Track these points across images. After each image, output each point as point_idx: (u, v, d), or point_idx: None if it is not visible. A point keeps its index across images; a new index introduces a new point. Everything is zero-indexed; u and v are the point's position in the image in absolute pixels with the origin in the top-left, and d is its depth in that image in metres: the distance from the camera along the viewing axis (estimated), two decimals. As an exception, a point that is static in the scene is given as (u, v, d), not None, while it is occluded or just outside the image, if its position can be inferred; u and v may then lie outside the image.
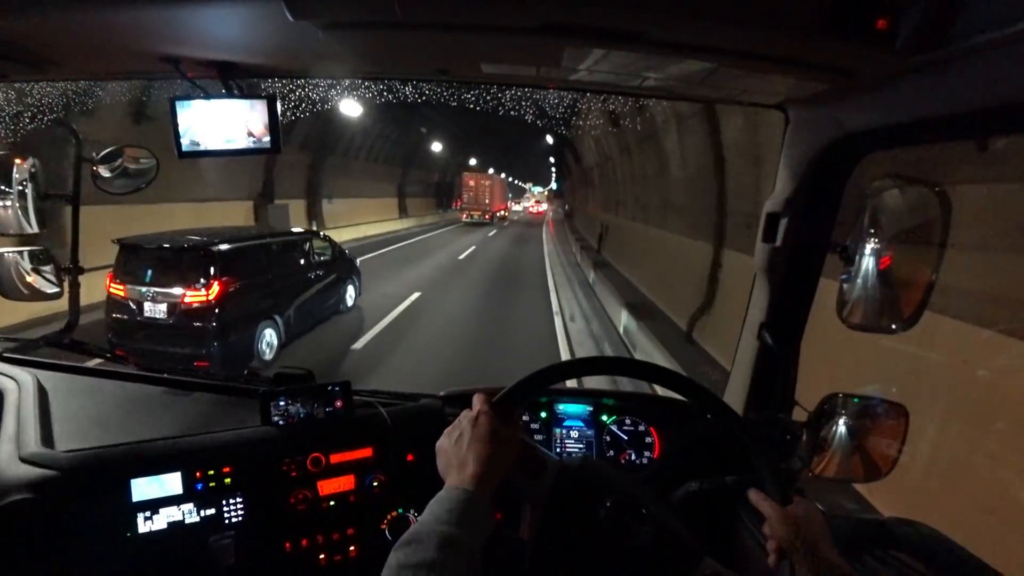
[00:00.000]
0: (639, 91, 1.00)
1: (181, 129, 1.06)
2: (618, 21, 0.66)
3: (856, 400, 1.03)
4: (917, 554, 0.89)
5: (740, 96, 0.98)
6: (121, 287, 4.89)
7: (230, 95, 1.08)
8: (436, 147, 27.26)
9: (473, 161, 33.04)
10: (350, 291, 7.75)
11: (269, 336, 5.66)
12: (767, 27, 0.62)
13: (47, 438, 1.01)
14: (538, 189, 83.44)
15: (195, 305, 4.83)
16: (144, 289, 4.84)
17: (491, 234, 24.21)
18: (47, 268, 1.58)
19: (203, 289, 4.85)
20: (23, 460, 0.94)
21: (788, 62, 0.72)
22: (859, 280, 0.93)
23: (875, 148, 0.94)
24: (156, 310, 4.85)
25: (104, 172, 1.51)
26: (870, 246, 0.91)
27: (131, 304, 4.86)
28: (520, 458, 0.87)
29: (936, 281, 0.87)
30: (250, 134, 1.07)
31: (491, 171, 38.17)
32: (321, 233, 7.88)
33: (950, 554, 0.83)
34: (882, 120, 0.85)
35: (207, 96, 1.08)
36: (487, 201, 32.45)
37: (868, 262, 0.91)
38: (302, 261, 6.55)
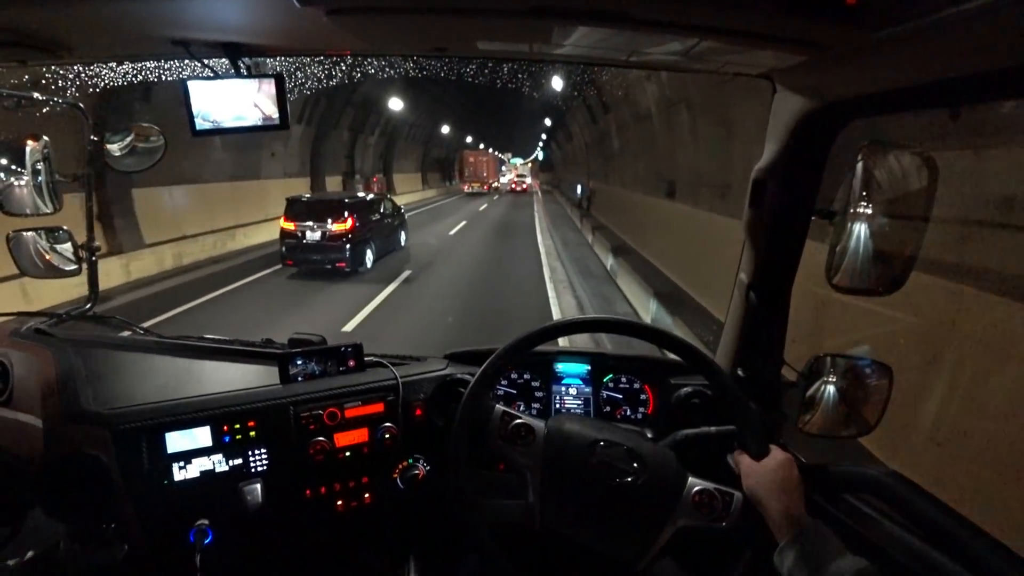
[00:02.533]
0: (628, 64, 1.03)
1: (194, 109, 1.10)
2: (604, 2, 0.69)
3: (844, 360, 1.08)
4: (893, 504, 0.95)
5: (726, 67, 1.01)
6: (291, 224, 8.88)
7: (239, 75, 1.13)
8: (444, 128, 32.68)
9: (446, 129, 32.95)
10: (402, 236, 12.06)
11: (369, 253, 9.64)
12: (743, 5, 0.66)
13: (88, 398, 1.11)
14: (518, 161, 71.79)
15: (338, 231, 8.79)
16: (305, 223, 8.80)
17: (495, 198, 32.90)
18: (65, 246, 1.64)
19: (343, 222, 8.84)
20: (72, 418, 1.04)
21: (766, 37, 0.76)
22: (846, 244, 0.95)
23: (854, 117, 0.98)
24: (313, 236, 8.78)
25: (114, 151, 1.55)
26: (857, 210, 0.93)
27: (297, 232, 8.81)
28: (510, 431, 0.94)
29: (921, 244, 0.91)
30: (260, 112, 1.11)
31: (468, 139, 44.30)
32: (388, 196, 12.19)
33: (925, 505, 0.89)
34: (858, 90, 0.89)
35: (217, 76, 1.12)
36: (484, 175, 41.84)
37: (855, 226, 0.93)
38: (381, 212, 10.60)
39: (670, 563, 0.87)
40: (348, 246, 8.81)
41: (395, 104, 19.84)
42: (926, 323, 2.96)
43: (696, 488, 0.91)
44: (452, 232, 15.46)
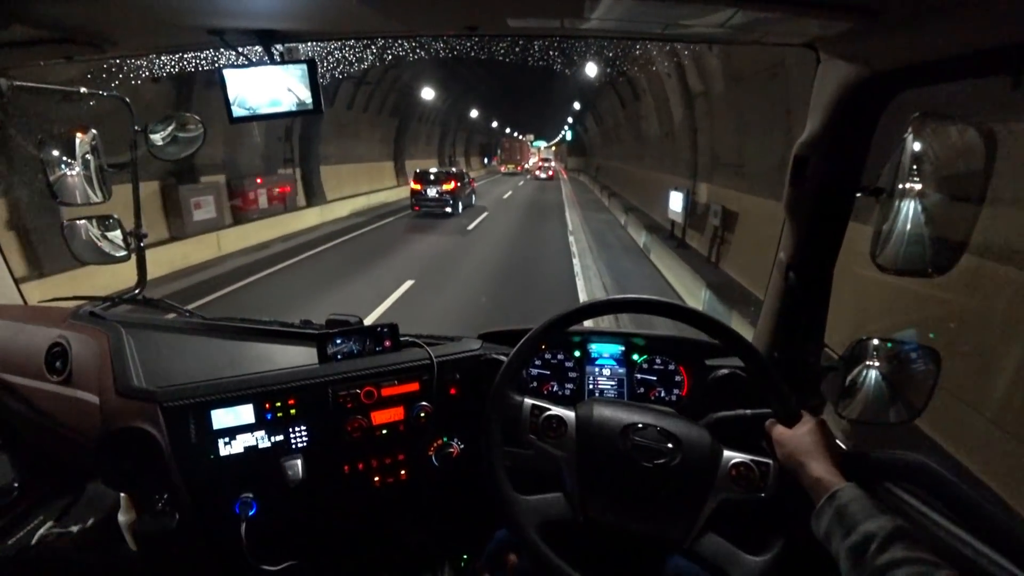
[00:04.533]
0: (664, 37, 0.99)
1: (231, 96, 1.13)
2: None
3: (889, 344, 1.03)
4: (936, 492, 0.92)
5: (767, 38, 0.97)
6: (418, 185, 15.26)
7: (272, 61, 1.15)
8: (479, 116, 34.56)
9: (476, 115, 33.25)
10: (473, 198, 18.30)
11: (459, 205, 15.73)
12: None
13: (139, 376, 1.17)
14: (541, 143, 67.48)
15: (446, 190, 15.03)
16: (428, 186, 15.18)
17: (528, 177, 39.55)
18: (115, 233, 1.71)
19: (448, 184, 15.16)
20: (126, 395, 1.10)
21: (809, 4, 0.72)
22: (893, 222, 0.90)
23: (903, 87, 0.92)
24: (432, 193, 15.16)
25: (157, 140, 1.61)
26: (906, 187, 0.88)
27: (422, 191, 15.19)
28: (540, 425, 0.94)
29: (975, 224, 0.86)
30: (295, 97, 1.13)
31: (494, 124, 47.19)
32: (465, 171, 19.48)
33: (970, 494, 0.85)
34: (909, 58, 0.84)
35: (251, 64, 1.14)
36: (518, 157, 56.52)
37: (904, 204, 0.89)
38: (463, 182, 16.41)
39: (714, 537, 0.86)
40: (450, 199, 15.30)
41: (440, 98, 23.47)
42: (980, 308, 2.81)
43: (733, 461, 0.90)
44: (504, 197, 23.45)
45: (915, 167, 0.88)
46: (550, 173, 36.99)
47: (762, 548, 0.86)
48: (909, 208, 0.89)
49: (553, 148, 65.73)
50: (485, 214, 16.19)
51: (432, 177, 15.42)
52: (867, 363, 1.05)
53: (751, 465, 0.90)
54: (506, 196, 23.68)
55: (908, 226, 0.90)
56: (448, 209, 15.27)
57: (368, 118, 18.70)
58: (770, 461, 0.90)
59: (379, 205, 18.64)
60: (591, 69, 16.13)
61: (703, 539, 0.85)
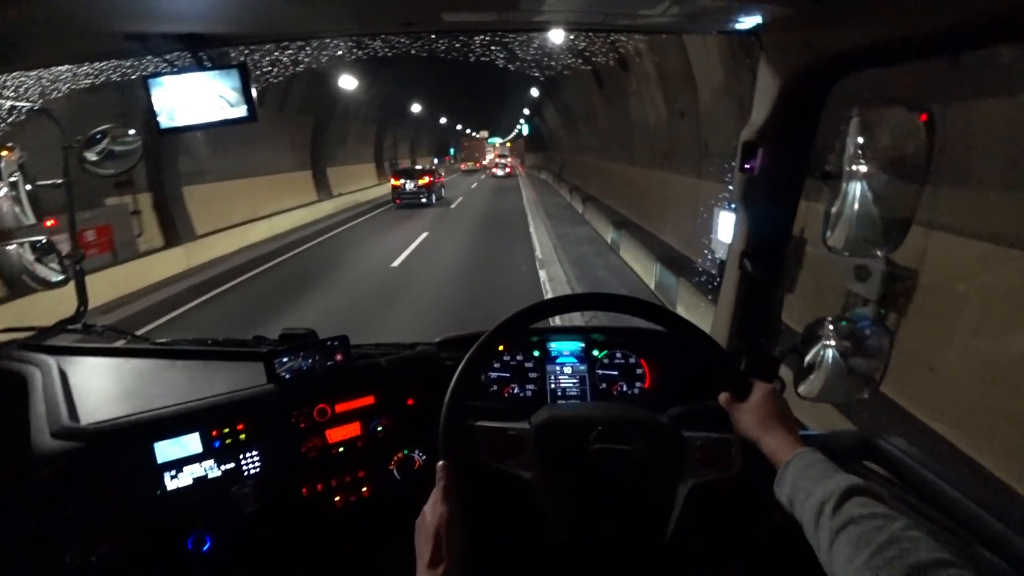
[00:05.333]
0: (606, 27, 0.97)
1: (157, 107, 1.07)
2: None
3: (844, 323, 1.05)
4: (892, 467, 0.93)
5: (709, 28, 0.96)
6: (398, 181, 18.46)
7: (201, 68, 1.08)
8: (423, 111, 32.32)
9: (418, 109, 30.54)
10: (442, 191, 20.80)
11: (432, 196, 18.83)
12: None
13: (73, 414, 1.08)
14: (497, 140, 66.42)
15: (422, 184, 18.43)
16: (406, 181, 18.48)
17: (487, 173, 41.52)
18: (50, 257, 1.61)
19: (424, 179, 18.55)
20: (54, 435, 1.02)
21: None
22: (842, 204, 0.92)
23: (846, 72, 0.93)
24: (410, 187, 18.42)
25: (91, 156, 1.51)
26: (853, 169, 0.89)
27: (402, 185, 18.38)
28: (498, 448, 0.89)
29: (919, 202, 0.87)
30: (226, 105, 1.07)
31: (442, 120, 43.96)
32: (437, 167, 23.69)
33: (924, 470, 0.87)
34: (851, 43, 0.84)
35: (178, 71, 1.08)
36: (476, 155, 59.70)
37: (851, 186, 0.90)
38: (434, 177, 19.36)
39: (696, 526, 0.84)
40: (425, 192, 18.44)
41: (372, 92, 20.48)
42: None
43: (696, 443, 0.89)
44: (471, 188, 27.38)
45: (861, 150, 0.89)
46: (508, 170, 37.10)
47: (742, 528, 0.86)
48: (856, 190, 0.90)
49: (508, 144, 64.07)
50: (459, 201, 20.97)
51: (409, 173, 19.27)
52: (824, 343, 1.06)
53: (714, 444, 0.88)
54: (472, 187, 27.62)
55: (856, 208, 0.91)
56: (423, 200, 18.60)
57: (271, 117, 13.45)
58: (729, 436, 0.88)
59: (287, 232, 13.18)
60: (554, 45, 12.26)
61: (685, 529, 0.83)
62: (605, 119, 15.37)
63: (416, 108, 29.17)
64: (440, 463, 0.80)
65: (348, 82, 16.00)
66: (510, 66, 15.85)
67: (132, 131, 1.54)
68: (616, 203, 13.83)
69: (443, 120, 43.50)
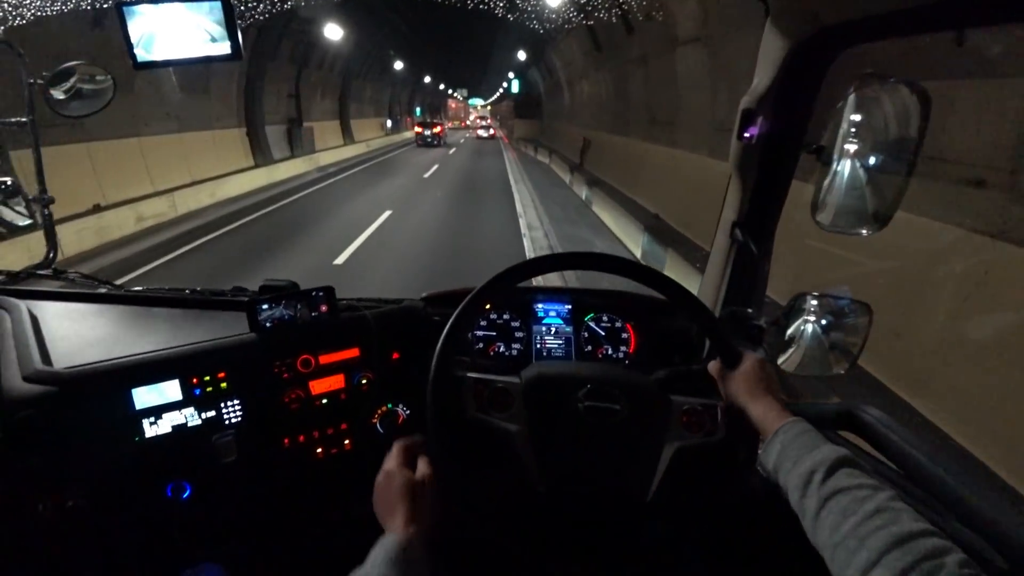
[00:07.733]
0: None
1: (133, 38, 1.00)
2: None
3: (824, 298, 1.07)
4: (871, 438, 0.96)
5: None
6: (419, 129, 31.53)
7: (181, -2, 1.01)
8: (404, 67, 34.78)
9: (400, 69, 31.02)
10: (442, 141, 32.30)
11: (441, 141, 31.21)
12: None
13: (46, 358, 1.04)
14: (479, 102, 66.76)
15: (438, 132, 31.18)
16: (425, 128, 31.30)
17: (472, 133, 47.59)
18: (15, 200, 1.53)
19: (437, 128, 31.71)
20: (26, 379, 0.98)
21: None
22: (832, 181, 0.91)
23: (850, 43, 0.92)
24: (427, 135, 30.54)
25: (57, 94, 1.43)
26: (846, 146, 0.89)
27: (423, 132, 30.80)
28: (486, 400, 0.89)
29: (908, 182, 0.87)
30: (207, 37, 1.01)
31: (426, 79, 46.66)
32: (443, 121, 45.69)
33: (900, 438, 0.90)
34: (856, 13, 0.83)
35: (155, 0, 1.01)
36: (462, 116, 73.17)
37: (842, 162, 0.90)
38: (444, 128, 36.01)
39: (679, 488, 0.86)
40: (439, 136, 30.25)
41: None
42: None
43: (683, 408, 0.90)
44: (462, 141, 35.65)
45: (855, 126, 0.88)
46: (491, 132, 40.80)
47: (722, 492, 0.87)
48: (847, 167, 0.91)
49: (489, 107, 62.49)
50: (462, 141, 33.59)
51: (428, 123, 30.96)
52: (805, 317, 1.07)
53: (700, 409, 0.90)
54: (464, 140, 37.09)
55: (846, 184, 0.91)
56: (435, 143, 29.40)
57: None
58: (716, 403, 0.90)
59: (175, 221, 9.37)
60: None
61: (667, 491, 0.85)
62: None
63: (399, 66, 30.48)
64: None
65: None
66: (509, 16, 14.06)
67: (103, 69, 1.46)
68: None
69: (427, 79, 43.79)
